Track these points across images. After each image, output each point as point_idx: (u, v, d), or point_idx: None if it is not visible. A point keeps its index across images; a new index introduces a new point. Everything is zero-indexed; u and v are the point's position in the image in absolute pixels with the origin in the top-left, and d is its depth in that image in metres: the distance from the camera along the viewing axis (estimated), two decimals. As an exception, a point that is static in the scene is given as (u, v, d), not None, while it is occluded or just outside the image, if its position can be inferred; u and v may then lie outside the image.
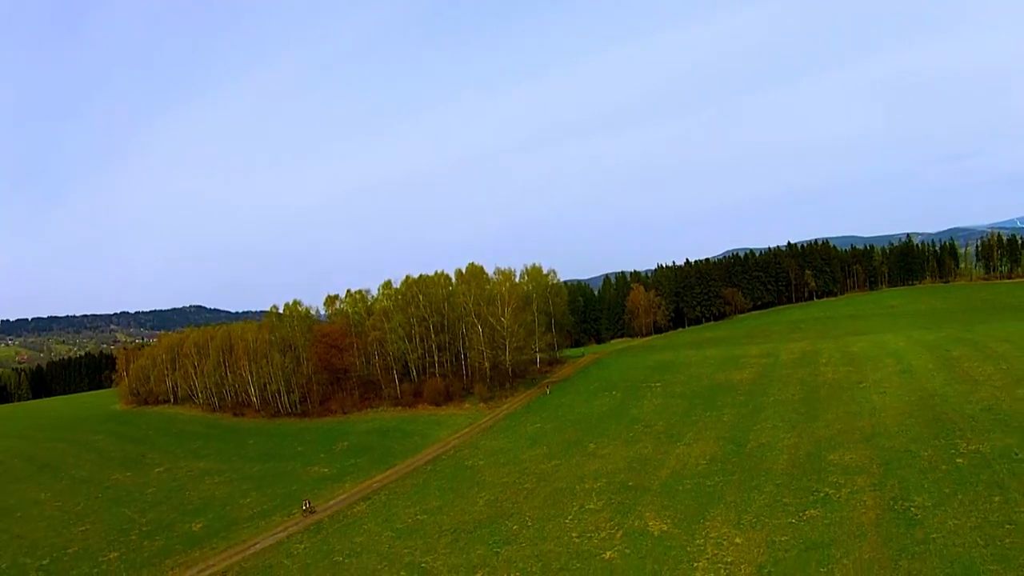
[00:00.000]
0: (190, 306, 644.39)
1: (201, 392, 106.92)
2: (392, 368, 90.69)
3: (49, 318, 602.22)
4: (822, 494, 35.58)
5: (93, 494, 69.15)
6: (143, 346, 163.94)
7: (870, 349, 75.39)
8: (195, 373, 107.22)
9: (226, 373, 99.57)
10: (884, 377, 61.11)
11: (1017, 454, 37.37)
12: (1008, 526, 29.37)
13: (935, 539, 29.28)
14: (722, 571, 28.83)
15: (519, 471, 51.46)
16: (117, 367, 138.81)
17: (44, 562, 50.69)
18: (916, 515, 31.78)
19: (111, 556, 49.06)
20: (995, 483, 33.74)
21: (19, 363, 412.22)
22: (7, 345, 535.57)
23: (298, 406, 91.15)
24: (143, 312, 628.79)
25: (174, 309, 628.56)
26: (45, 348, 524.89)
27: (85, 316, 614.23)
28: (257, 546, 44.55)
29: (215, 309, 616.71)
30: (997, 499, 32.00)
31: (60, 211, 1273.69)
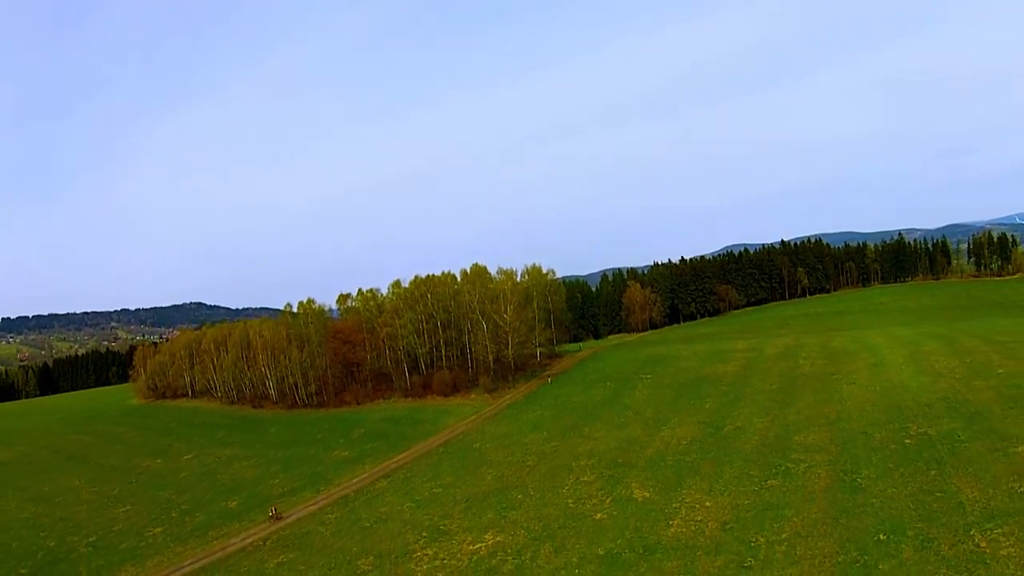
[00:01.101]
0: (190, 303, 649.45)
1: (220, 386, 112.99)
2: (402, 362, 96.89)
3: (50, 315, 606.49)
4: (784, 468, 41.26)
5: (127, 480, 74.35)
6: (157, 343, 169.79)
7: (849, 344, 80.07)
8: (214, 368, 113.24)
9: (245, 368, 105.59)
10: (856, 370, 66.18)
11: (960, 437, 42.88)
12: (939, 494, 34.74)
13: (873, 503, 34.80)
14: (692, 527, 34.61)
15: (522, 452, 57.34)
16: (134, 363, 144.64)
17: (91, 539, 55.68)
18: (861, 484, 37.32)
19: (155, 531, 54.47)
20: (935, 460, 38.98)
21: (20, 360, 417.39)
22: (8, 343, 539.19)
23: (314, 398, 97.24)
24: (143, 309, 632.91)
25: (174, 306, 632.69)
26: (46, 345, 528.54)
27: (86, 313, 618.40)
28: (292, 518, 50.57)
29: (215, 306, 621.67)
30: (933, 473, 37.29)
31: (60, 209, 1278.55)
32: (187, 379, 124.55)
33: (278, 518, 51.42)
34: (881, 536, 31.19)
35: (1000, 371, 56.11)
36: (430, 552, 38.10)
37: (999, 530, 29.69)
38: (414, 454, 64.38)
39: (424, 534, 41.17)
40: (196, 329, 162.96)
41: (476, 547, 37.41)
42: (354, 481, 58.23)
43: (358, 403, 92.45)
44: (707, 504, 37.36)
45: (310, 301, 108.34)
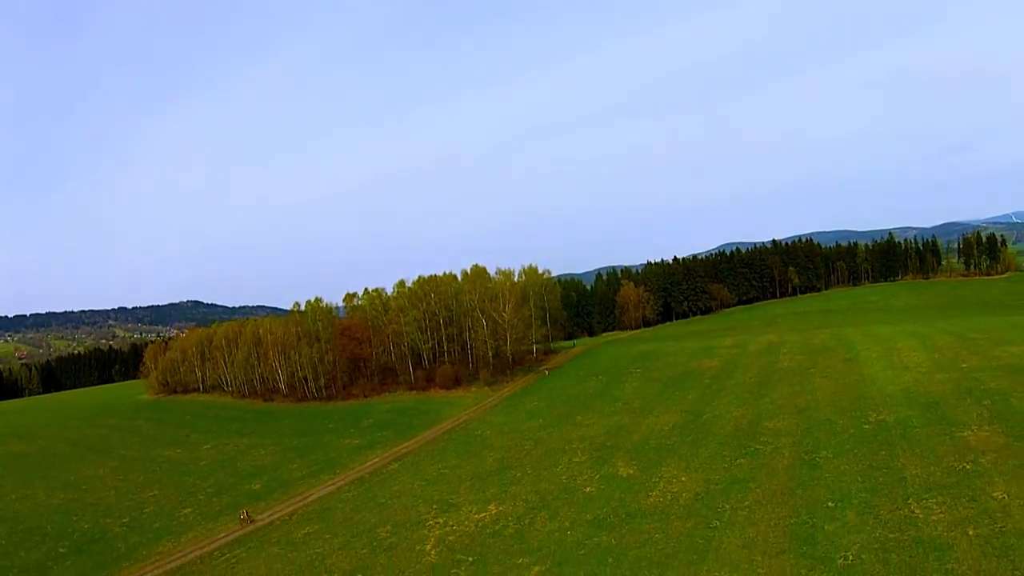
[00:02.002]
0: (187, 301, 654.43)
1: (231, 381, 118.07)
2: (407, 357, 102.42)
3: (47, 314, 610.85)
4: (752, 449, 46.50)
5: (150, 468, 78.41)
6: (168, 340, 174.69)
7: (829, 341, 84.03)
8: (225, 364, 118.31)
9: (256, 363, 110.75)
10: (831, 364, 70.70)
11: (913, 423, 47.78)
12: (885, 470, 39.71)
13: (826, 477, 39.89)
14: (668, 497, 39.94)
15: (520, 437, 62.73)
16: (145, 360, 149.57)
17: (124, 520, 59.80)
18: (818, 462, 42.39)
19: (185, 511, 59.12)
20: (887, 442, 43.81)
21: (19, 359, 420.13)
22: (6, 341, 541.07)
23: (324, 391, 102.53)
24: (140, 307, 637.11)
25: (171, 304, 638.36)
26: (44, 344, 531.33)
27: (83, 312, 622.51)
28: (312, 496, 55.72)
29: (212, 304, 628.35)
30: (884, 453, 42.19)
31: (57, 207, 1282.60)
32: (198, 374, 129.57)
33: (251, 521, 52.74)
34: (830, 503, 36.22)
35: (963, 365, 60.06)
36: (441, 520, 43.55)
37: (934, 500, 34.32)
38: (421, 441, 69.67)
39: (435, 506, 46.61)
40: (193, 328, 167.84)
41: (481, 516, 42.88)
42: (367, 465, 63.48)
43: (365, 396, 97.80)
44: (682, 479, 42.70)
45: (318, 300, 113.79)
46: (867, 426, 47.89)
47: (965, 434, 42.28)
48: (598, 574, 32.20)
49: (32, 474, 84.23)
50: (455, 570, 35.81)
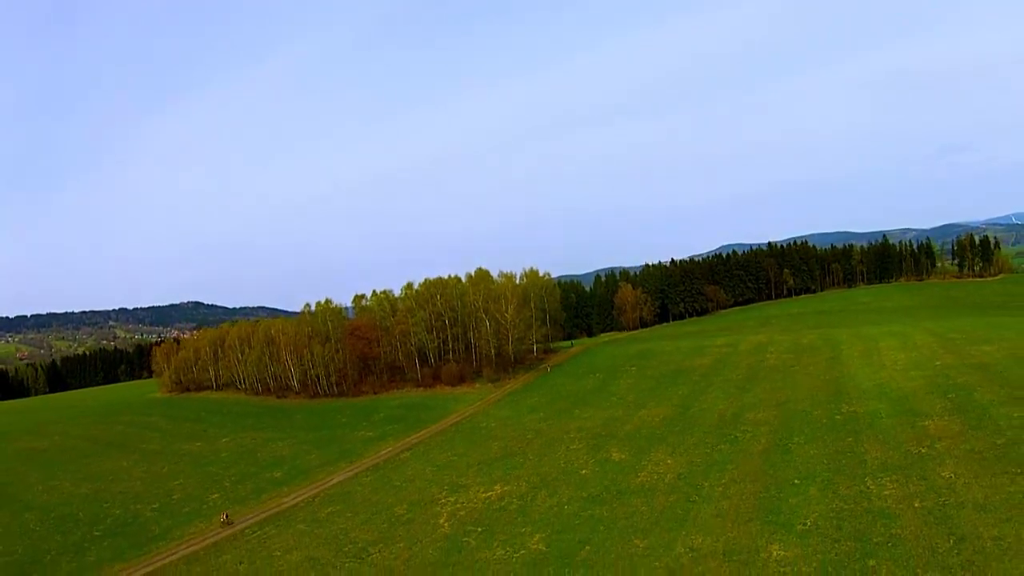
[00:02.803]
0: (187, 302, 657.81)
1: (244, 379, 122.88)
2: (414, 355, 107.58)
3: (48, 315, 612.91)
4: (733, 436, 51.37)
5: (172, 460, 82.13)
6: (179, 339, 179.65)
7: (816, 341, 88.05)
8: (238, 362, 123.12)
9: (268, 362, 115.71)
10: (814, 362, 75.18)
11: (881, 414, 52.35)
12: (849, 454, 44.36)
13: (796, 459, 44.62)
14: (655, 477, 44.85)
15: (522, 429, 67.82)
16: (157, 359, 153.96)
17: (154, 506, 63.62)
18: (790, 448, 47.15)
19: (213, 497, 63.37)
20: (854, 431, 48.38)
21: (20, 359, 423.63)
22: (7, 342, 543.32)
23: (335, 388, 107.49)
24: (141, 308, 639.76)
25: (172, 305, 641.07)
26: (45, 345, 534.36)
27: (84, 312, 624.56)
28: (332, 482, 60.56)
29: (212, 305, 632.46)
30: (850, 439, 46.78)
31: (57, 207, 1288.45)
32: (211, 373, 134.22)
33: (229, 523, 53.84)
34: (796, 481, 40.93)
35: (937, 363, 63.98)
36: (452, 499, 48.59)
37: (888, 478, 38.90)
38: (429, 433, 74.69)
39: (445, 488, 51.63)
40: (196, 328, 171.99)
41: (488, 494, 47.89)
42: (381, 454, 68.42)
43: (375, 392, 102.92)
44: (668, 462, 47.66)
45: (328, 301, 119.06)
46: (839, 417, 52.56)
47: (926, 423, 46.75)
48: (591, 539, 37.05)
49: (54, 468, 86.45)
50: (466, 539, 40.69)
